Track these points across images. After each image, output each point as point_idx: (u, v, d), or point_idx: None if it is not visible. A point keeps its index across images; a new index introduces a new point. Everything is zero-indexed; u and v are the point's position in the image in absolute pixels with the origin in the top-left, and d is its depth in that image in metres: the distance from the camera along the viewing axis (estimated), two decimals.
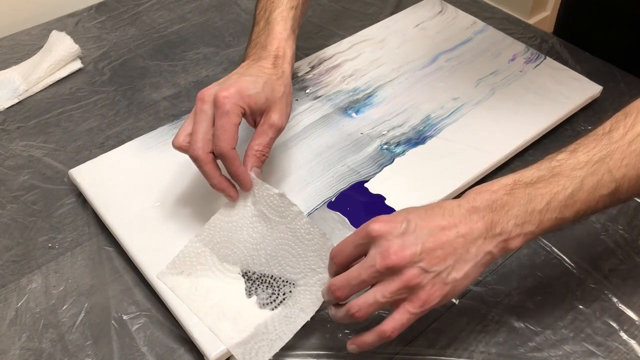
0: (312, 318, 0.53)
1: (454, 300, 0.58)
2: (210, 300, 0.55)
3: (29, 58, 0.85)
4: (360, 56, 0.82)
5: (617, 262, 0.61)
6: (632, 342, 0.55)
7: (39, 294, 0.59)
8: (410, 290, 0.45)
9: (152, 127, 0.74)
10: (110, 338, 0.55)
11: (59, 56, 0.81)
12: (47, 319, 0.57)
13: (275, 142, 0.69)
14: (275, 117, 0.58)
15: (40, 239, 0.63)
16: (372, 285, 0.46)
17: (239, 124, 0.56)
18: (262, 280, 0.56)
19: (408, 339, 0.55)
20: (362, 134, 0.71)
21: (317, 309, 0.53)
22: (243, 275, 0.57)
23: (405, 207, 0.48)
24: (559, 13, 0.97)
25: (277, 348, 0.52)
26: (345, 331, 0.56)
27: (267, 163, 0.66)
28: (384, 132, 0.71)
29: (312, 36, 0.89)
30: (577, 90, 0.76)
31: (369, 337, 0.47)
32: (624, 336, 0.55)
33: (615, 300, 0.58)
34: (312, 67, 0.80)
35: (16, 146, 0.74)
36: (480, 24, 0.87)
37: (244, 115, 0.57)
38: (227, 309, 0.55)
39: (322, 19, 0.93)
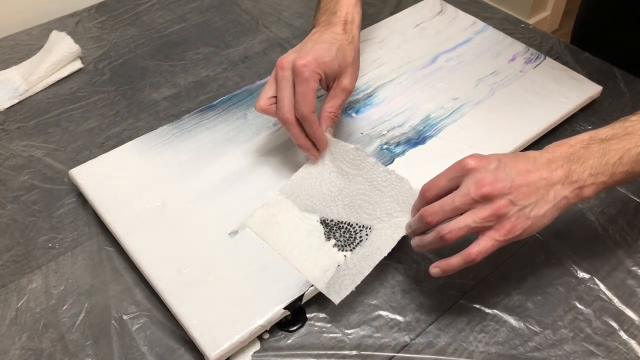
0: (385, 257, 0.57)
1: (454, 301, 0.58)
2: (292, 242, 0.60)
3: (29, 58, 0.85)
4: (360, 56, 0.82)
5: (617, 262, 0.61)
6: (632, 342, 0.55)
7: (39, 294, 0.59)
8: (498, 219, 0.49)
9: (152, 127, 0.74)
10: (110, 338, 0.55)
11: (59, 56, 0.81)
12: (47, 319, 0.57)
13: (276, 142, 0.70)
14: (346, 81, 0.63)
15: (41, 239, 0.63)
16: (461, 214, 0.50)
17: (317, 89, 0.60)
18: (339, 226, 0.60)
19: (407, 339, 0.55)
20: (362, 134, 0.71)
21: (393, 246, 0.57)
22: (321, 223, 0.61)
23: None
24: (576, 18, 0.97)
25: (358, 281, 0.56)
26: (345, 331, 0.56)
27: (267, 162, 0.68)
28: (383, 132, 0.71)
29: None
30: (577, 90, 0.75)
31: (454, 260, 0.51)
32: (624, 336, 0.55)
33: (615, 300, 0.58)
34: None
35: (16, 146, 0.74)
36: (480, 24, 0.87)
37: (319, 80, 0.61)
38: (309, 250, 0.59)
39: None
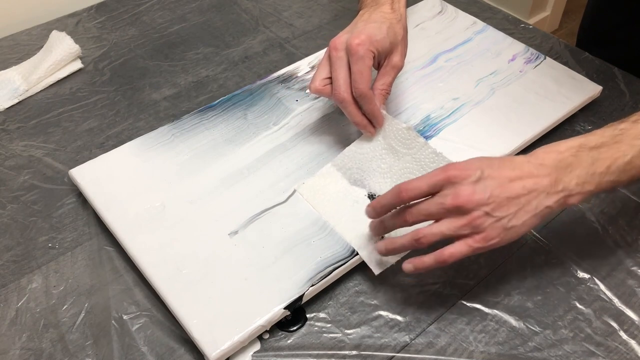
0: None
1: (454, 301, 0.58)
2: (341, 212, 0.62)
3: (29, 58, 0.85)
4: None
5: (617, 262, 0.61)
6: (632, 342, 0.55)
7: (39, 294, 0.59)
8: (474, 228, 0.50)
9: (152, 127, 0.74)
10: (110, 338, 0.55)
11: (59, 56, 0.81)
12: (47, 319, 0.57)
13: (275, 143, 0.70)
14: (396, 58, 0.65)
15: (41, 239, 0.63)
16: (436, 221, 0.51)
17: (372, 67, 0.62)
18: None
19: (407, 339, 0.55)
20: (362, 134, 0.71)
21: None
22: (369, 197, 0.64)
23: (479, 156, 0.53)
24: (584, 14, 0.97)
25: (400, 256, 0.57)
26: (345, 331, 0.56)
27: (266, 163, 0.68)
28: None
29: (312, 36, 0.90)
30: (577, 90, 0.75)
31: (427, 259, 0.52)
32: (624, 336, 0.55)
33: (615, 300, 0.58)
34: (312, 67, 0.80)
35: (16, 146, 0.74)
36: (480, 24, 0.87)
37: (372, 58, 0.62)
38: (355, 221, 0.61)
39: (322, 19, 0.93)
